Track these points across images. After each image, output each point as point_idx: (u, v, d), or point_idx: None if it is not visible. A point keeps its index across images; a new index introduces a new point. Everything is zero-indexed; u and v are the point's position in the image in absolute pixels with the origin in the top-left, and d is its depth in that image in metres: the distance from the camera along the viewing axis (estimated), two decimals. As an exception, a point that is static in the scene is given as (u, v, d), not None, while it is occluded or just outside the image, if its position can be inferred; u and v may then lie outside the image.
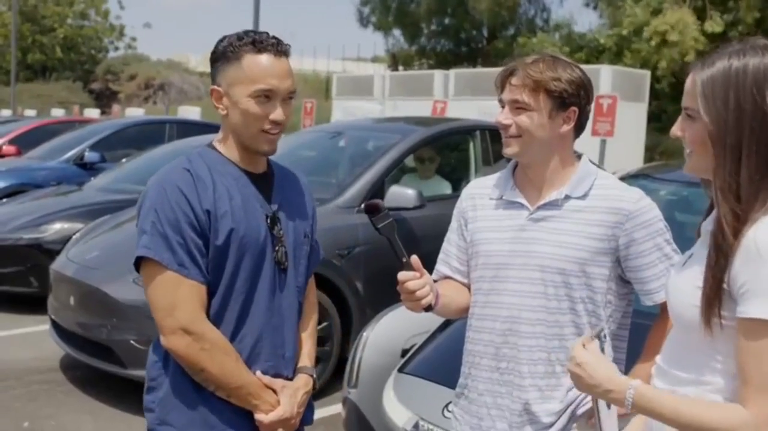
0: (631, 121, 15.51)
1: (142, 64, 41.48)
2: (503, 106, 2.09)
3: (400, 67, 31.13)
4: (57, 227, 7.06)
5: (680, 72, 18.05)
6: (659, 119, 19.56)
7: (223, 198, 2.00)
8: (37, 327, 6.41)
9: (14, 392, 5.11)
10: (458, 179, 6.42)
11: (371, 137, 6.66)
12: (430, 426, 2.85)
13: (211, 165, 2.05)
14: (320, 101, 19.93)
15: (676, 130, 1.64)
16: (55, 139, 11.15)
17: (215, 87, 2.05)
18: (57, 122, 14.97)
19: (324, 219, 4.59)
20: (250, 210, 2.05)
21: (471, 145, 6.41)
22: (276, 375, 2.10)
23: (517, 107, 2.04)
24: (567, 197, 2.07)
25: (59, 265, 5.51)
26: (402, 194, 5.38)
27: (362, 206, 5.05)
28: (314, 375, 2.23)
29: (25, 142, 12.33)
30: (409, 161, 6.25)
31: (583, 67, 2.12)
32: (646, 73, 17.93)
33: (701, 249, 1.61)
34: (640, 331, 2.15)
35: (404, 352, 3.62)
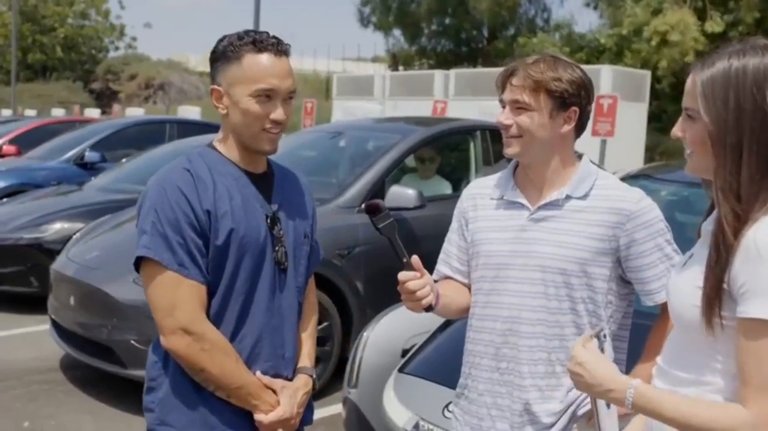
0: (631, 121, 15.52)
1: (143, 64, 41.48)
2: (504, 107, 2.08)
3: (401, 67, 31.14)
4: (57, 227, 7.06)
5: (680, 72, 18.04)
6: (659, 119, 19.57)
7: (223, 198, 2.00)
8: (38, 326, 6.41)
9: (14, 392, 5.11)
10: (459, 179, 6.42)
11: (371, 137, 6.66)
12: (431, 426, 2.85)
13: (211, 165, 2.05)
14: (320, 101, 19.93)
15: (676, 130, 1.64)
16: (55, 139, 11.15)
17: (215, 87, 2.05)
18: (57, 121, 14.97)
19: (324, 219, 4.59)
20: (250, 210, 2.04)
21: (471, 145, 6.41)
22: (276, 376, 2.10)
23: (518, 107, 2.04)
24: (568, 197, 2.07)
25: (59, 265, 5.51)
26: (402, 194, 5.38)
27: (363, 206, 5.05)
28: (314, 376, 2.23)
29: (26, 142, 12.33)
30: (410, 161, 6.25)
31: (584, 67, 2.12)
32: (647, 74, 17.95)
33: (701, 249, 1.61)
34: (640, 331, 2.15)
35: (404, 352, 3.62)
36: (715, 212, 1.55)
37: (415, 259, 1.96)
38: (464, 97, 17.88)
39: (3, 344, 6.16)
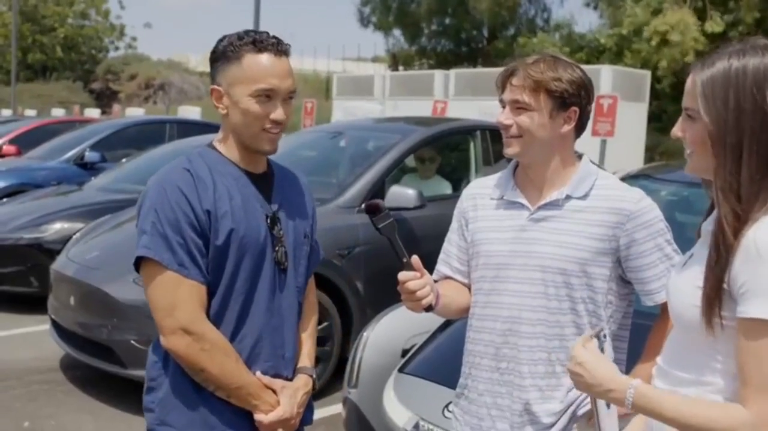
0: (631, 121, 15.52)
1: (143, 64, 41.49)
2: (504, 107, 2.08)
3: (401, 67, 31.14)
4: (57, 227, 7.06)
5: (680, 72, 18.05)
6: (659, 119, 19.57)
7: (223, 198, 2.00)
8: (38, 326, 6.41)
9: (14, 392, 5.11)
10: (458, 179, 6.42)
11: (372, 137, 6.66)
12: (431, 426, 2.84)
13: (211, 165, 2.05)
14: (320, 101, 19.93)
15: (676, 130, 1.64)
16: (55, 139, 11.16)
17: (215, 87, 2.05)
18: (57, 121, 14.97)
19: (324, 219, 4.59)
20: (250, 210, 2.04)
21: (471, 145, 6.41)
22: (276, 376, 2.10)
23: (518, 107, 2.04)
24: (568, 197, 2.06)
25: (59, 265, 5.51)
26: (402, 194, 5.38)
27: (363, 206, 5.05)
28: (314, 376, 2.23)
29: (26, 142, 12.33)
30: (410, 161, 6.25)
31: (584, 67, 2.12)
32: (647, 74, 17.95)
33: (701, 250, 1.61)
34: (640, 331, 2.15)
35: (404, 352, 3.62)
36: (715, 212, 1.55)
37: (415, 259, 1.96)
38: (464, 98, 17.88)
39: (3, 344, 6.16)
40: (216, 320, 2.01)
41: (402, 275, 1.96)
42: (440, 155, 6.38)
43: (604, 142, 11.20)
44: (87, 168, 9.63)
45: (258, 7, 17.09)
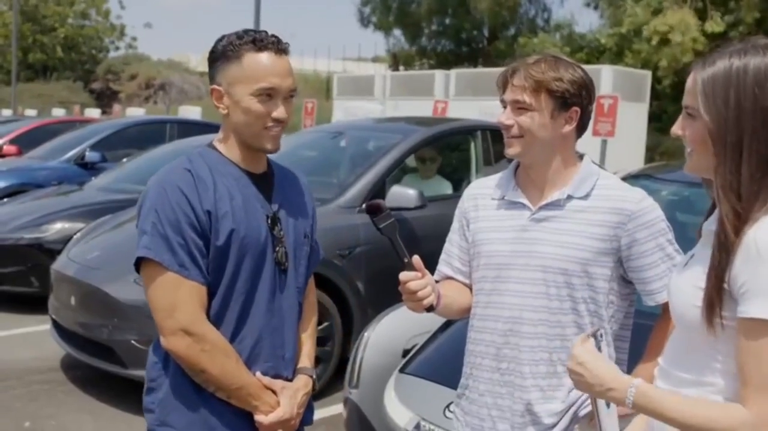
0: (631, 121, 15.52)
1: (143, 64, 41.49)
2: (505, 107, 2.08)
3: (401, 67, 31.14)
4: (58, 227, 7.06)
5: (681, 72, 18.05)
6: (660, 119, 19.57)
7: (223, 199, 2.00)
8: (38, 326, 6.41)
9: (15, 392, 5.11)
10: (459, 179, 6.42)
11: (372, 137, 6.66)
12: (432, 427, 2.84)
13: (211, 165, 2.05)
14: (321, 101, 19.93)
15: (676, 129, 1.64)
16: (55, 139, 11.16)
17: (215, 86, 2.05)
18: (58, 121, 14.97)
19: (325, 219, 4.59)
20: (251, 211, 2.04)
21: (472, 145, 6.41)
22: (276, 376, 2.10)
23: (519, 108, 2.04)
24: (569, 197, 2.06)
25: (60, 265, 5.51)
26: (403, 194, 5.37)
27: (364, 206, 5.05)
28: (314, 376, 2.23)
29: (26, 142, 12.34)
30: (410, 161, 6.25)
31: (584, 67, 2.12)
32: (647, 74, 17.95)
33: (702, 250, 1.61)
34: (642, 331, 2.15)
35: (405, 352, 3.61)
36: (716, 212, 1.55)
37: (416, 259, 1.96)
38: (465, 98, 17.89)
39: (3, 344, 6.16)
40: (216, 320, 2.01)
41: (403, 276, 1.95)
42: (441, 155, 6.38)
43: (604, 142, 11.20)
44: (87, 168, 9.64)
45: (258, 7, 17.09)
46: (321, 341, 4.77)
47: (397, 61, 32.55)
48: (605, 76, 15.99)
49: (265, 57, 1.99)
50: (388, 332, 3.74)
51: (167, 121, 11.60)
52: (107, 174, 8.58)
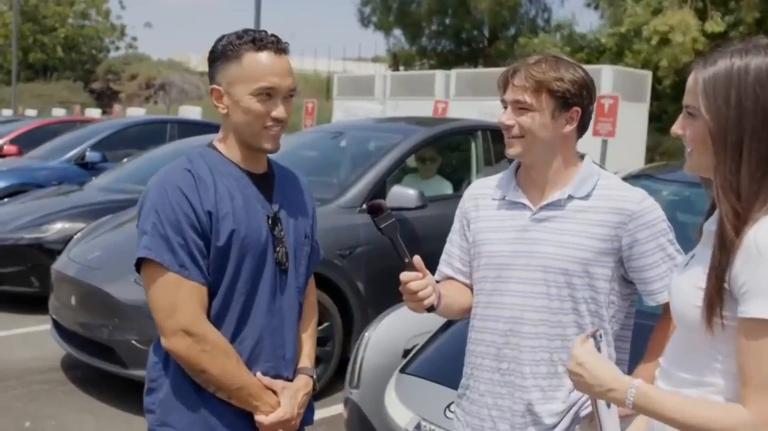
0: (632, 121, 15.51)
1: (143, 64, 41.51)
2: (506, 107, 2.08)
3: (401, 68, 31.13)
4: (58, 227, 7.07)
5: (681, 72, 18.04)
6: (660, 119, 19.56)
7: (224, 199, 2.00)
8: (38, 326, 6.41)
9: (15, 392, 5.11)
10: (460, 179, 6.42)
11: (373, 137, 6.65)
12: (432, 427, 2.84)
13: (212, 165, 2.04)
14: (321, 101, 19.92)
15: (676, 128, 1.64)
16: (56, 139, 11.16)
17: (215, 86, 2.05)
18: (58, 121, 14.97)
19: (326, 219, 4.59)
20: (252, 211, 2.04)
21: (472, 145, 6.40)
22: (276, 376, 2.10)
23: (520, 108, 2.03)
24: (570, 198, 2.06)
25: (60, 265, 5.51)
26: (404, 194, 5.37)
27: (364, 206, 5.05)
28: (314, 376, 2.23)
29: (26, 142, 12.34)
30: (411, 161, 6.25)
31: (585, 67, 2.12)
32: (648, 74, 17.94)
33: (703, 250, 1.61)
34: (643, 332, 2.15)
35: (406, 352, 3.61)
36: (716, 212, 1.55)
37: (416, 259, 1.96)
38: (465, 98, 17.87)
39: (3, 344, 6.16)
40: (217, 321, 2.01)
41: (404, 276, 1.95)
42: (441, 155, 6.38)
43: (605, 142, 11.19)
44: (88, 168, 9.64)
45: (258, 7, 17.09)
46: (321, 341, 4.77)
47: (397, 61, 32.54)
48: (605, 77, 15.98)
49: (264, 56, 1.99)
50: (389, 332, 3.74)
51: (167, 121, 11.60)
52: (107, 174, 8.58)
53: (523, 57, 2.11)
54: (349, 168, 6.10)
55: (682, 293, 1.62)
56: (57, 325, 5.40)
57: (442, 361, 3.25)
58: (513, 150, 2.08)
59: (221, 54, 2.02)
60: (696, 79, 1.56)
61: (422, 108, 15.35)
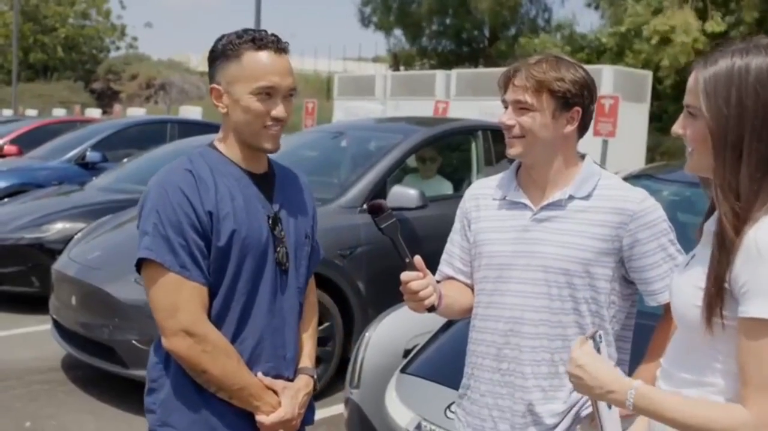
0: (632, 121, 15.50)
1: (144, 64, 41.53)
2: (506, 107, 2.08)
3: (402, 68, 31.13)
4: (58, 227, 7.07)
5: (682, 72, 18.05)
6: (660, 119, 19.56)
7: (225, 199, 2.00)
8: (39, 326, 6.41)
9: (15, 392, 5.11)
10: (460, 179, 6.42)
11: (373, 137, 6.66)
12: (433, 427, 2.84)
13: (212, 166, 2.04)
14: (321, 101, 19.93)
15: (677, 128, 1.63)
16: (56, 139, 11.17)
17: (215, 86, 2.04)
18: (58, 121, 14.98)
19: (326, 219, 4.59)
20: (252, 211, 2.04)
21: (473, 145, 6.40)
22: (277, 376, 2.10)
23: (521, 108, 2.03)
24: (571, 198, 2.06)
25: (61, 265, 5.51)
26: (404, 194, 5.37)
27: (365, 206, 5.05)
28: (315, 376, 2.23)
29: (27, 142, 12.35)
30: (411, 161, 6.25)
31: (585, 67, 2.12)
32: (648, 74, 17.93)
33: (703, 250, 1.61)
34: (644, 332, 2.15)
35: (407, 352, 3.61)
36: (716, 212, 1.55)
37: (417, 259, 1.96)
38: (466, 98, 17.86)
39: (3, 344, 6.16)
40: (217, 321, 2.00)
41: (404, 276, 1.95)
42: (442, 155, 6.38)
43: (605, 142, 11.19)
44: (88, 168, 9.65)
45: (259, 7, 17.10)
46: (322, 341, 4.77)
47: (397, 61, 32.54)
48: (606, 77, 15.97)
49: (264, 56, 1.98)
50: (389, 332, 3.73)
51: (168, 121, 11.61)
52: (108, 174, 8.59)
53: (523, 57, 2.10)
54: (350, 168, 6.10)
55: (682, 293, 1.61)
56: (57, 325, 5.40)
57: (443, 361, 3.25)
58: (514, 150, 2.08)
59: (221, 53, 2.02)
60: (697, 79, 1.56)
61: (423, 108, 15.34)
